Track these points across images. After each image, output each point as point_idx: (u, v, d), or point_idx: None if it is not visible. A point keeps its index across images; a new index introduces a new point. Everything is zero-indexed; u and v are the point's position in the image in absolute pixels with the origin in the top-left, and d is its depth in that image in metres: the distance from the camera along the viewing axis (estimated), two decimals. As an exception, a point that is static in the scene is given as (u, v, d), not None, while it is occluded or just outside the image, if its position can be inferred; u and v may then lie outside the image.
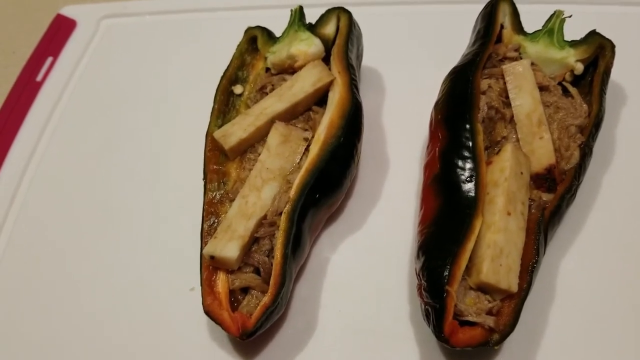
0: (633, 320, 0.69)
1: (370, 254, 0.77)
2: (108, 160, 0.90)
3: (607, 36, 0.78)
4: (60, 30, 1.08)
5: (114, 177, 0.88)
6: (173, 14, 1.09)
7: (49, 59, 1.04)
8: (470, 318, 0.62)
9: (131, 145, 0.92)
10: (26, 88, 1.00)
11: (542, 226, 0.67)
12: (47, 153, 0.92)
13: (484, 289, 0.64)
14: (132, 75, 1.01)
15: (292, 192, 0.71)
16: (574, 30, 0.79)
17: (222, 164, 0.79)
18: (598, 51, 0.78)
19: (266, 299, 0.66)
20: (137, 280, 0.78)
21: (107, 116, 0.96)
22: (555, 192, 0.70)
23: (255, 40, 0.88)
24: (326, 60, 0.83)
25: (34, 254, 0.81)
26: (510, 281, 0.63)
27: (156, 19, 1.09)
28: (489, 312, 0.63)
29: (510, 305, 0.64)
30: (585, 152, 0.72)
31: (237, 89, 0.85)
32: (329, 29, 0.85)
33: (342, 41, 0.82)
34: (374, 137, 0.87)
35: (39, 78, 1.02)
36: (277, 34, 0.88)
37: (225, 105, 0.84)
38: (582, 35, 0.79)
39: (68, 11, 1.11)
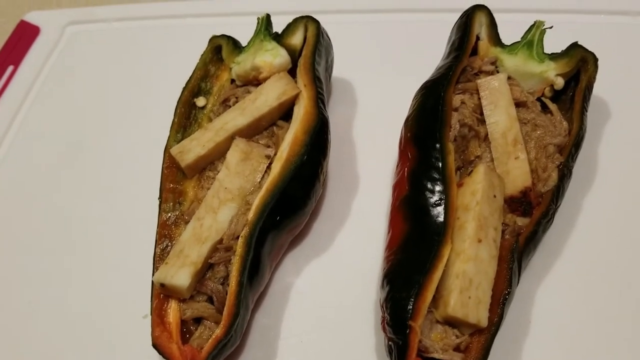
0: (613, 354, 0.65)
1: (336, 279, 0.73)
2: (66, 174, 0.87)
3: (589, 49, 0.74)
4: (22, 38, 1.03)
5: (72, 193, 0.85)
6: (141, 20, 1.05)
7: (10, 68, 1.00)
8: (435, 355, 0.59)
9: (92, 160, 0.88)
10: (-17, 98, 0.97)
11: (516, 254, 0.63)
12: (2, 166, 0.90)
13: (451, 322, 0.60)
14: (95, 85, 0.98)
15: (251, 214, 0.67)
16: (555, 42, 0.75)
17: (180, 182, 0.74)
18: (580, 65, 0.74)
19: (218, 331, 0.62)
20: (92, 305, 0.74)
21: (66, 128, 0.93)
22: (531, 217, 0.66)
23: (221, 49, 0.83)
24: (294, 72, 0.79)
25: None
26: (479, 315, 0.59)
27: (124, 25, 1.05)
28: (457, 349, 0.59)
29: (480, 340, 0.60)
30: (564, 173, 0.68)
31: (200, 102, 0.81)
32: (296, 39, 0.80)
33: (308, 52, 0.77)
34: (343, 153, 0.83)
35: (-3, 88, 0.98)
36: (246, 43, 0.83)
37: (187, 118, 0.80)
38: (564, 48, 0.75)
39: (32, 17, 1.07)
